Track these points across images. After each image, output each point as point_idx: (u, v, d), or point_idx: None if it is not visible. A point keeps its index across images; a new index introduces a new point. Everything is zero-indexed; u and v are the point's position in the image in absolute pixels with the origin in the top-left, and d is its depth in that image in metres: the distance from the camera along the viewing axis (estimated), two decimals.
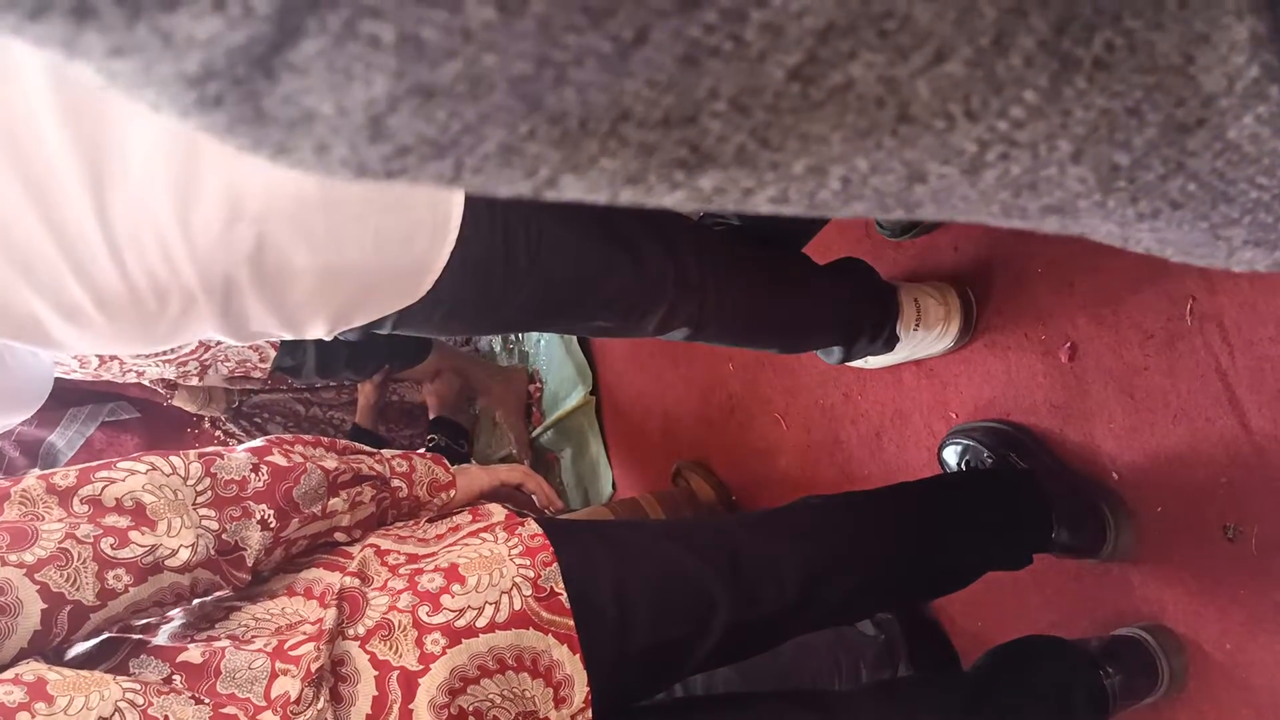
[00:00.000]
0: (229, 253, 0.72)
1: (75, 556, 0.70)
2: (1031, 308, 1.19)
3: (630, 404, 2.12)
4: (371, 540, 0.86)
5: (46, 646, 0.70)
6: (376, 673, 0.74)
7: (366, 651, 0.75)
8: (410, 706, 0.73)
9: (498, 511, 0.90)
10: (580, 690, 0.79)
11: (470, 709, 0.75)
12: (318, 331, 0.83)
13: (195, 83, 0.23)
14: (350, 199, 0.74)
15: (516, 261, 0.85)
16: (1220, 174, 0.36)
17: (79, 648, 0.74)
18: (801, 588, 0.90)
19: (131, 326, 0.74)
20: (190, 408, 1.94)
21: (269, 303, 0.77)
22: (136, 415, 1.94)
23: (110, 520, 0.73)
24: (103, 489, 0.74)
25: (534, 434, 2.35)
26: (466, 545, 0.84)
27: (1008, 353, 1.23)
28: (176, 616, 0.79)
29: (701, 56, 0.25)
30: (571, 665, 0.79)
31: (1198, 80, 0.33)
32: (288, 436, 0.87)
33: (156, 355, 1.60)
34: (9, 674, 0.66)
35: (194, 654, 0.73)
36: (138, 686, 0.68)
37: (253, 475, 0.80)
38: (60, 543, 0.70)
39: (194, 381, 1.81)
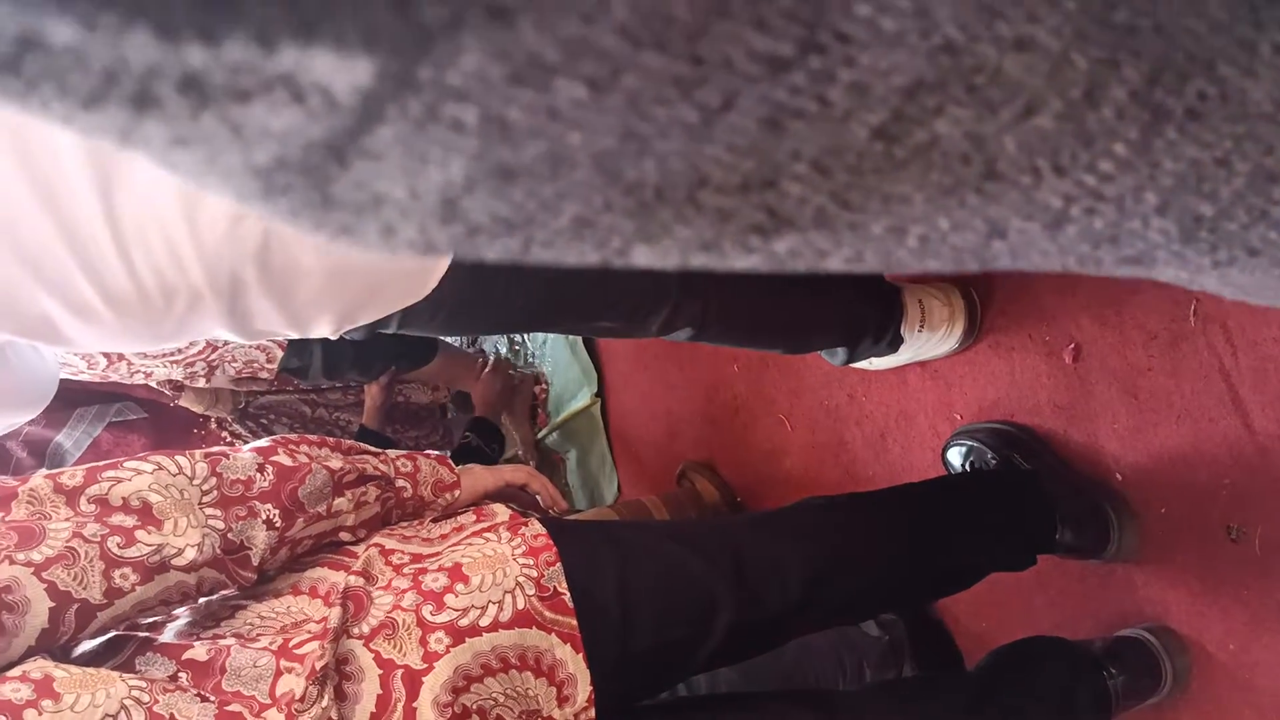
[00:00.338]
0: (236, 250, 0.72)
1: (82, 555, 0.71)
2: (1035, 309, 1.19)
3: (635, 405, 2.13)
4: (376, 540, 0.86)
5: (53, 644, 0.70)
6: (380, 671, 0.74)
7: (371, 650, 0.75)
8: (414, 705, 0.73)
9: (502, 511, 0.90)
10: (583, 689, 0.79)
11: (474, 707, 0.75)
12: (323, 330, 0.83)
13: (263, 174, 0.22)
14: None
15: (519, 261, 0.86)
16: None
17: (85, 645, 0.75)
18: (805, 588, 0.90)
19: (139, 324, 0.75)
20: (197, 408, 1.94)
21: (275, 300, 0.77)
22: (143, 416, 1.94)
23: (117, 519, 0.74)
24: (110, 488, 0.75)
25: (539, 435, 2.35)
26: (470, 545, 0.84)
27: (1012, 354, 1.23)
28: (182, 615, 0.80)
29: (785, 119, 0.24)
30: (574, 664, 0.79)
31: None
32: (293, 437, 0.87)
33: (164, 356, 1.61)
34: (16, 671, 0.67)
35: (200, 651, 0.74)
36: (144, 684, 0.69)
37: (258, 475, 0.81)
38: (67, 542, 0.71)
39: (201, 383, 1.81)
